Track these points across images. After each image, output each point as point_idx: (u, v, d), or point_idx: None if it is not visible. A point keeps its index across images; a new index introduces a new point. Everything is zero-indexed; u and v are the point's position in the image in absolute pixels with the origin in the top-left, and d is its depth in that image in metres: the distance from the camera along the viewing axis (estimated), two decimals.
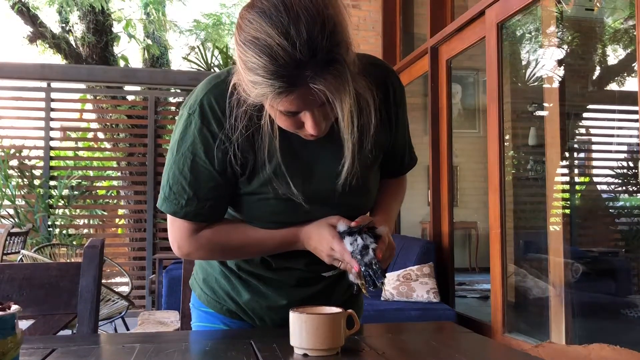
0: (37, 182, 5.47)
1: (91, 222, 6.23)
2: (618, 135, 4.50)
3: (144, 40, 8.02)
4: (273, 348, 1.02)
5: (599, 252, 4.28)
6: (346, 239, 1.04)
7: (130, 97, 6.46)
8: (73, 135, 7.47)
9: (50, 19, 7.38)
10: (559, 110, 3.69)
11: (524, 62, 4.92)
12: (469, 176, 7.57)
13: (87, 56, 7.12)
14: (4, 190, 5.29)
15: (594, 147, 5.00)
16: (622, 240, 4.67)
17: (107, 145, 6.70)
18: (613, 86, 4.88)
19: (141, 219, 5.78)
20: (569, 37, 4.30)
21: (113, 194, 7.40)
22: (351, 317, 1.03)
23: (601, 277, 4.14)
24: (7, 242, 4.49)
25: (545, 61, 4.22)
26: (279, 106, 0.93)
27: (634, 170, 4.33)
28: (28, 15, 7.04)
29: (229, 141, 1.04)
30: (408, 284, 3.88)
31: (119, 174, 6.56)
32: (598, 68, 4.82)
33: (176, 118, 1.32)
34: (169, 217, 1.13)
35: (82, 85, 6.39)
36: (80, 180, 5.90)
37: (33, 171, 5.49)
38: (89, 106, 6.47)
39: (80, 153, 6.52)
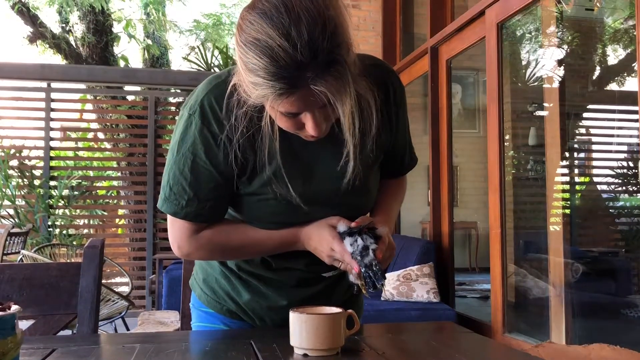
0: (37, 182, 5.47)
1: (91, 222, 6.23)
2: (618, 135, 4.51)
3: (144, 40, 8.02)
4: (273, 348, 1.02)
5: (599, 252, 4.28)
6: (346, 240, 1.04)
7: (130, 97, 6.46)
8: (73, 135, 7.46)
9: (50, 19, 7.38)
10: (559, 110, 3.69)
11: (524, 62, 4.92)
12: (469, 176, 7.57)
13: (87, 56, 7.12)
14: (4, 190, 5.29)
15: (594, 147, 5.00)
16: (622, 240, 4.67)
17: (107, 145, 6.69)
18: (613, 86, 4.88)
19: (141, 219, 5.77)
20: (569, 37, 4.30)
21: (113, 194, 7.40)
22: (351, 317, 1.03)
23: (601, 277, 4.14)
24: (7, 242, 4.49)
25: (545, 61, 4.22)
26: (280, 107, 0.92)
27: (634, 170, 4.33)
28: (28, 15, 7.03)
29: (229, 142, 1.04)
30: (408, 284, 3.88)
31: (119, 174, 6.57)
32: (598, 68, 4.82)
33: (176, 118, 1.32)
34: (169, 217, 1.13)
35: (82, 86, 6.39)
36: (80, 181, 5.90)
37: (33, 171, 5.48)
38: (89, 106, 6.47)
39: (80, 153, 6.51)
